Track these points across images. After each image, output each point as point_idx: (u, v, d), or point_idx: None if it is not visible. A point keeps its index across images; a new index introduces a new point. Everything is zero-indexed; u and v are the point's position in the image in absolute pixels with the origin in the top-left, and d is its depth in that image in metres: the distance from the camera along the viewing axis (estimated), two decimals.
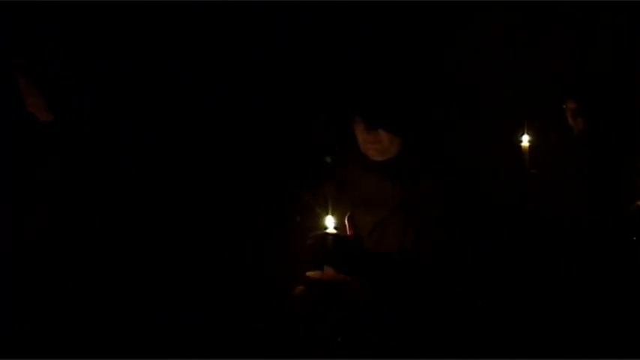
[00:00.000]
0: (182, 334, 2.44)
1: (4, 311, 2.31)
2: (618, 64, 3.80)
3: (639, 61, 3.66)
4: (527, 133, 3.41)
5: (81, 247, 2.33)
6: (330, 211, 2.19)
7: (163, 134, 2.78)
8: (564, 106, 3.39)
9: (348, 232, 2.18)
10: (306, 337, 2.24)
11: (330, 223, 2.17)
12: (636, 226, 2.96)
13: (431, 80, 2.70)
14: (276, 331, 2.29)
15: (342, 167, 2.44)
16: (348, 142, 2.38)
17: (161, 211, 2.53)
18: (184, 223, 2.56)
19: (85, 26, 2.45)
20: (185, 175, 2.71)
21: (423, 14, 3.73)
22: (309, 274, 2.13)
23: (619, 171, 3.14)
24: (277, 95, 3.39)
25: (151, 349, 2.37)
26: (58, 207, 2.33)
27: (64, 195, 2.33)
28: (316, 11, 3.52)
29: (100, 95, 2.43)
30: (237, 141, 3.21)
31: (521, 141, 3.41)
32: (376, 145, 2.32)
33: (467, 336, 2.41)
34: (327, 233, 2.15)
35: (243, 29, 3.36)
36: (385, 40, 3.42)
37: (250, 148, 3.23)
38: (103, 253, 2.35)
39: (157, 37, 3.13)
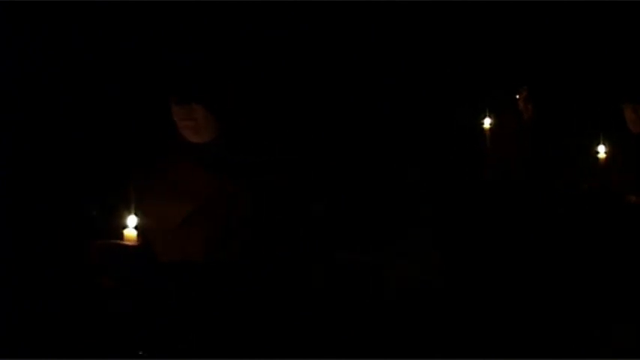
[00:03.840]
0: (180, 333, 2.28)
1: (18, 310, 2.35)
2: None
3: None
4: (489, 117, 3.80)
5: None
6: (133, 210, 1.98)
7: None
8: (517, 95, 3.85)
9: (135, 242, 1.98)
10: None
11: (131, 222, 1.97)
12: (586, 206, 3.16)
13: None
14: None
15: (158, 153, 2.22)
16: (166, 125, 2.17)
17: None
18: None
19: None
20: None
21: None
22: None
23: (565, 153, 3.44)
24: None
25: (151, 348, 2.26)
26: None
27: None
28: None
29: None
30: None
31: (483, 123, 3.81)
32: (189, 122, 2.10)
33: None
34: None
35: None
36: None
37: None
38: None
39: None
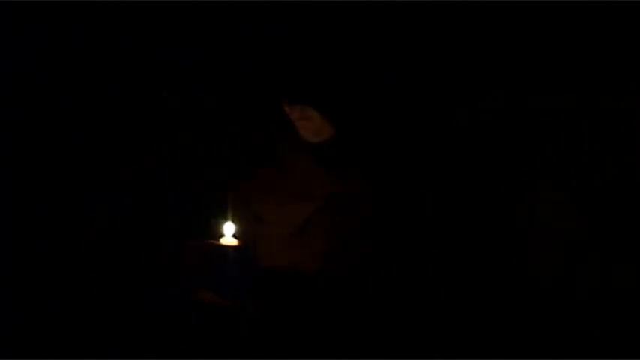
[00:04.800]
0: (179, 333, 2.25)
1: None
2: None
3: None
4: None
5: None
6: (230, 216, 1.89)
7: None
8: None
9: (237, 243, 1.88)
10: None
11: (228, 230, 1.88)
12: None
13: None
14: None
15: (277, 152, 2.14)
16: (285, 122, 2.09)
17: None
18: None
19: None
20: None
21: None
22: (203, 295, 1.87)
23: None
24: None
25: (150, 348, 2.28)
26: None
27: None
28: None
29: None
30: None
31: None
32: (307, 123, 2.02)
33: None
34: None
35: None
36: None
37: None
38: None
39: None
